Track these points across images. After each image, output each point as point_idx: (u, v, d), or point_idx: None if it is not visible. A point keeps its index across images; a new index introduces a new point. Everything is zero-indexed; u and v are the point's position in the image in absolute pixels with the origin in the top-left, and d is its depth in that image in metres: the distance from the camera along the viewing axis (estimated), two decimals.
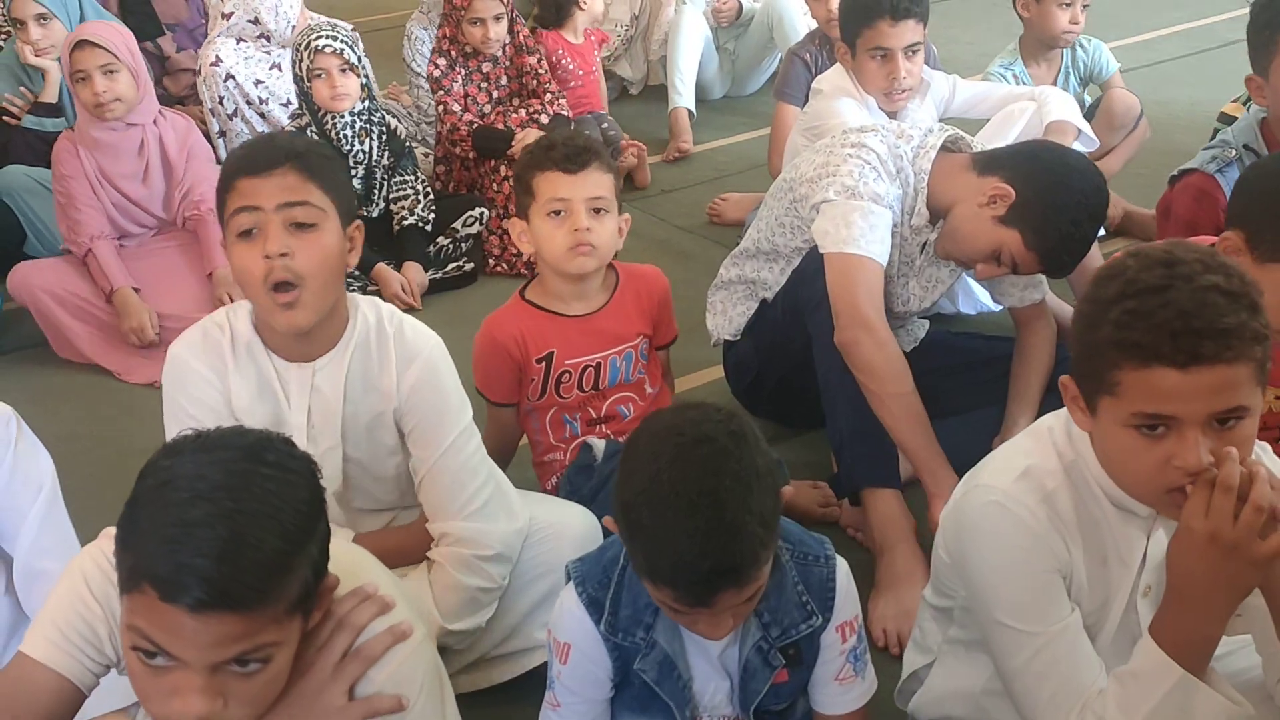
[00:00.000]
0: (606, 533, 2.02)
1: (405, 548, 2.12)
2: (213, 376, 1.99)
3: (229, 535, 1.28)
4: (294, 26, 4.17)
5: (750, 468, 1.52)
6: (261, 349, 1.99)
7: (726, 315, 2.91)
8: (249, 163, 1.89)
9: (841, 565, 1.75)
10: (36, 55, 3.95)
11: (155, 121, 3.63)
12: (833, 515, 2.65)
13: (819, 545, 1.75)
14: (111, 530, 1.49)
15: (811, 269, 2.57)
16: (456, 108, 4.12)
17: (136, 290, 3.49)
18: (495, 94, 4.18)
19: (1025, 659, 1.64)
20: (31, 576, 1.97)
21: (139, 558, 1.30)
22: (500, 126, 4.08)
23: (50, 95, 3.99)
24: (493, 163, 4.09)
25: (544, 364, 2.45)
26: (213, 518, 1.28)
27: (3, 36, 4.41)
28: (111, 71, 3.42)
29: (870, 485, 2.51)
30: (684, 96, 5.06)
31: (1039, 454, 1.67)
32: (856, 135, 2.66)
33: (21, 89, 4.04)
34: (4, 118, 4.02)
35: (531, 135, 3.97)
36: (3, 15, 4.38)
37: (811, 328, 2.54)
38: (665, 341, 2.62)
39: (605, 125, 4.77)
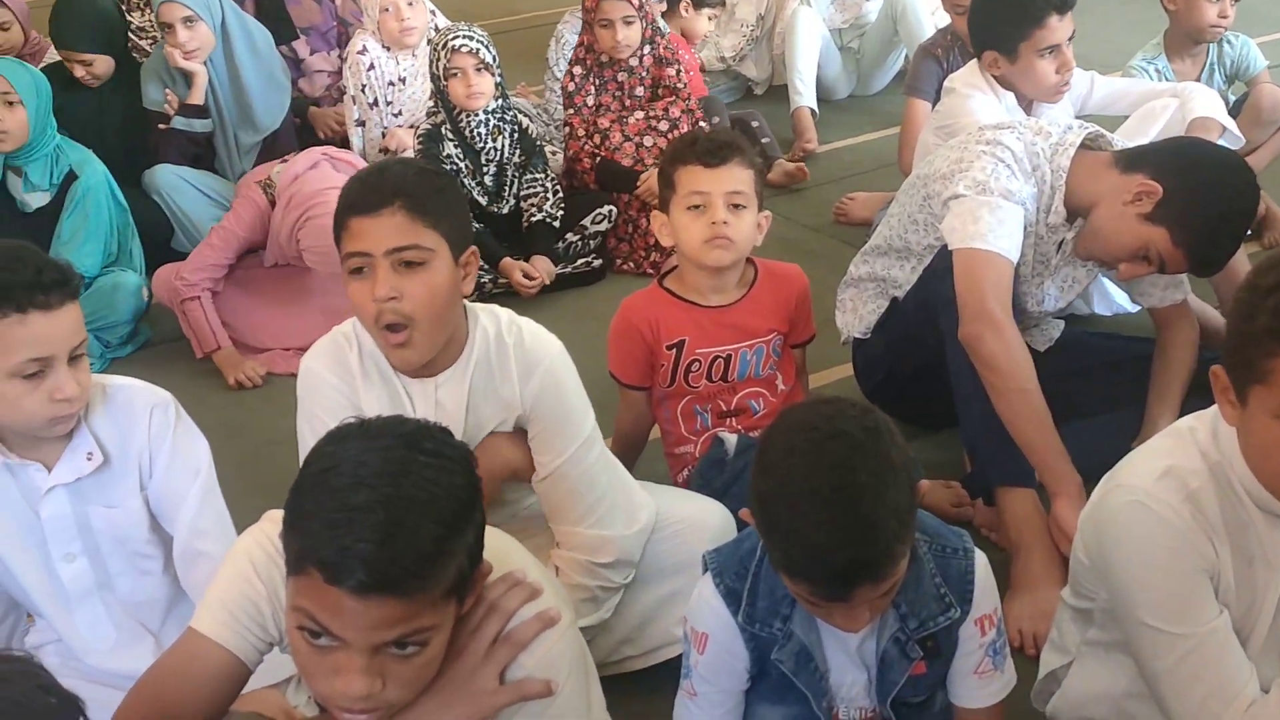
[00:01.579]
0: (741, 525, 2.04)
1: None
2: (342, 385, 2.05)
3: (389, 521, 1.31)
4: (377, 22, 4.31)
5: (885, 462, 1.52)
6: (387, 364, 2.03)
7: (857, 313, 2.90)
8: (360, 200, 1.90)
9: (980, 558, 1.74)
10: (185, 58, 4.07)
11: None
12: (966, 515, 2.62)
13: (957, 538, 1.74)
14: (274, 513, 1.55)
15: (944, 266, 2.55)
16: (582, 133, 4.11)
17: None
18: (628, 103, 4.18)
19: (1174, 661, 1.61)
20: (191, 557, 2.06)
21: (305, 541, 1.34)
22: (617, 135, 4.10)
23: (197, 97, 4.11)
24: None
25: (674, 351, 2.48)
26: (374, 503, 1.32)
27: (149, 42, 4.56)
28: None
29: (1005, 484, 2.49)
30: (805, 96, 5.04)
31: (1181, 454, 1.64)
32: (992, 132, 2.63)
33: (167, 92, 4.19)
34: (158, 124, 4.16)
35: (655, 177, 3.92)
36: (150, 21, 4.54)
37: (944, 325, 2.52)
38: (801, 340, 2.62)
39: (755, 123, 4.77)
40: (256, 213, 3.58)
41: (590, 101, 4.14)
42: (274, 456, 2.97)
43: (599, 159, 4.10)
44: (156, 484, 2.04)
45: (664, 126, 4.10)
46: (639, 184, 3.99)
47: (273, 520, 1.54)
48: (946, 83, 3.49)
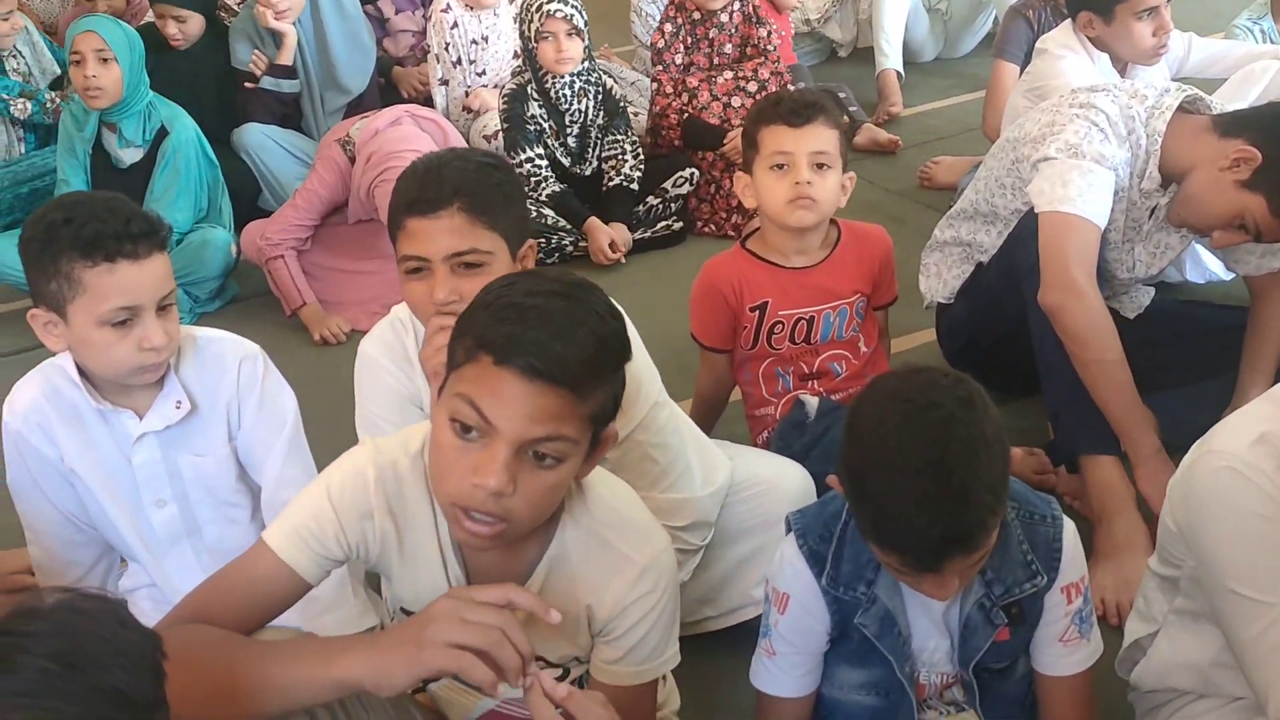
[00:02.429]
0: (821, 489, 2.04)
1: None
2: (396, 370, 2.06)
3: (562, 322, 1.38)
4: None
5: (979, 434, 1.49)
6: None
7: (940, 278, 2.86)
8: (419, 200, 1.87)
9: (1069, 526, 1.72)
10: (276, 19, 4.12)
11: None
12: (1049, 483, 2.59)
13: (1045, 505, 1.72)
14: (369, 439, 1.59)
15: (1028, 231, 2.51)
16: (670, 90, 4.11)
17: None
18: (716, 61, 4.17)
19: (1260, 629, 1.58)
20: (277, 508, 2.08)
21: (480, 332, 1.39)
22: (705, 94, 4.08)
23: (286, 58, 4.16)
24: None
25: (757, 313, 2.47)
26: (548, 308, 1.39)
27: (237, 2, 4.61)
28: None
29: (1089, 452, 2.45)
30: (890, 58, 4.98)
31: (1277, 420, 1.60)
32: (1085, 95, 2.58)
33: (255, 52, 4.23)
34: (245, 82, 4.21)
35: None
36: None
37: (1027, 291, 2.48)
38: (884, 302, 2.60)
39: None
40: (337, 172, 3.61)
41: (679, 59, 4.13)
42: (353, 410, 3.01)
43: (686, 116, 4.09)
44: (244, 435, 2.08)
45: (752, 88, 4.07)
46: (725, 142, 3.97)
47: (366, 445, 1.57)
48: (1038, 44, 3.42)
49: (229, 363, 2.06)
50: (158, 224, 1.92)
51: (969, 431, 1.49)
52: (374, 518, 1.54)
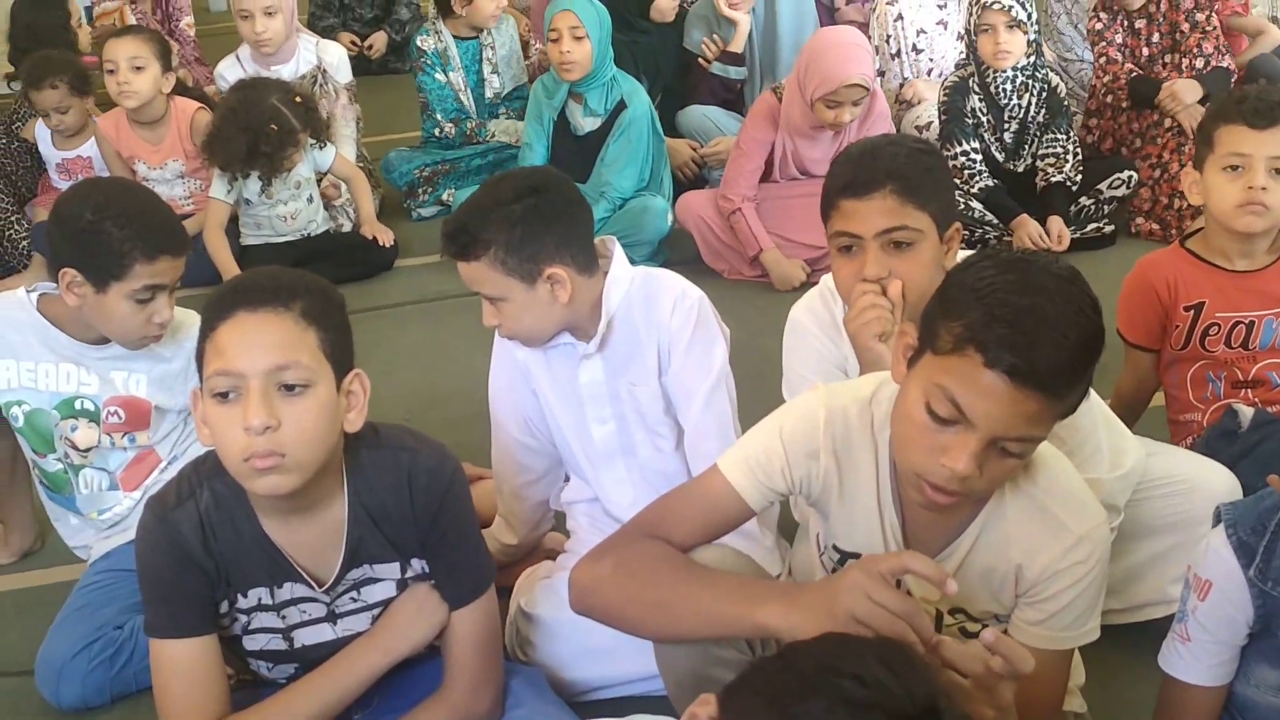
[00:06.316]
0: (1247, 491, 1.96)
1: None
2: (823, 335, 2.13)
3: (1056, 325, 1.39)
4: None
5: None
6: None
7: None
8: (851, 183, 1.94)
9: None
10: (730, 7, 4.36)
11: None
12: None
13: None
14: (822, 385, 1.69)
15: None
16: (1118, 56, 4.12)
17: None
18: (1147, 51, 4.14)
19: None
20: (695, 454, 2.23)
21: (972, 325, 1.42)
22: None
23: (738, 46, 4.40)
24: (1155, 116, 4.07)
25: (1191, 312, 2.41)
26: (1047, 306, 1.40)
27: None
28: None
29: None
30: None
31: None
32: None
33: (714, 36, 4.48)
34: (699, 60, 4.48)
35: (1182, 85, 3.94)
36: None
37: None
38: None
39: None
40: (768, 113, 3.83)
41: (1118, 40, 4.19)
42: (768, 370, 3.08)
43: (1132, 74, 4.12)
44: (672, 375, 2.22)
45: (1199, 64, 4.07)
46: (1162, 90, 4.00)
47: (818, 388, 1.67)
48: None
49: (664, 302, 2.20)
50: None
51: None
52: (819, 458, 1.62)
